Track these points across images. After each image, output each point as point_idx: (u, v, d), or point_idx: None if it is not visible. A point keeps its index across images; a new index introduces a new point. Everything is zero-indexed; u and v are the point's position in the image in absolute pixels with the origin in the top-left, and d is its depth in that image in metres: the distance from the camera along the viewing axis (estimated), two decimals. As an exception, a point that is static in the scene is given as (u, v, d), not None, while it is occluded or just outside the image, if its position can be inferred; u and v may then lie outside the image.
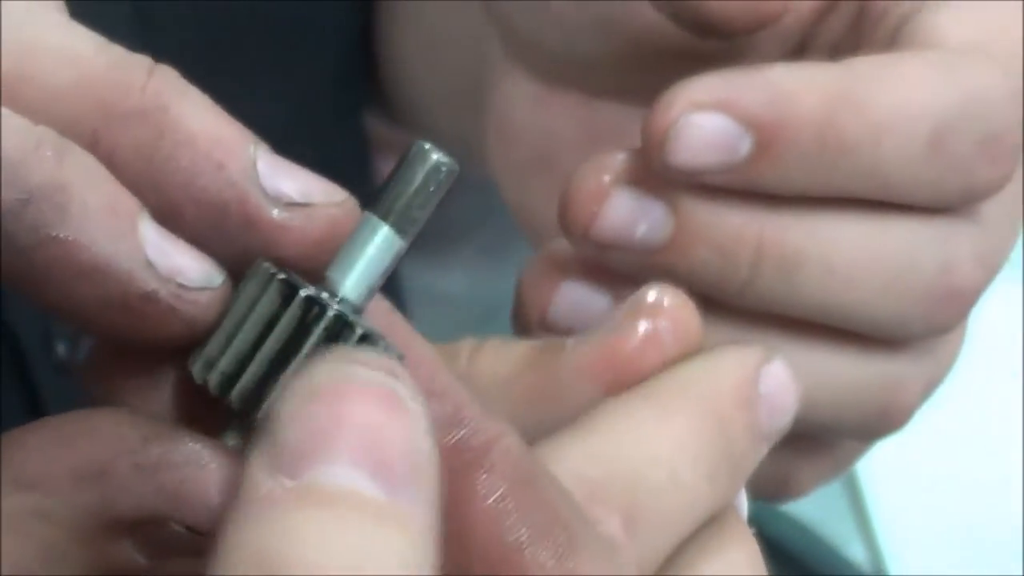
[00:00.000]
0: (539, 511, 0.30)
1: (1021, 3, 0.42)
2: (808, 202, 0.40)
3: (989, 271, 0.43)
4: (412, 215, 0.31)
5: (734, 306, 0.41)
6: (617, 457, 0.34)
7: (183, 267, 0.31)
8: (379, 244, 0.31)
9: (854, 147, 0.39)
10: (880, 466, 0.92)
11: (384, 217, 0.31)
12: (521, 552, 0.30)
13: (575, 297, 0.42)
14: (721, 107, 0.39)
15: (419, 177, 0.30)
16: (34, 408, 0.57)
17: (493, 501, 0.30)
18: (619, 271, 0.42)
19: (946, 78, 0.40)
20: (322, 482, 0.27)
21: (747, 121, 0.39)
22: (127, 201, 0.31)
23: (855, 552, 0.90)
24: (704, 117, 0.39)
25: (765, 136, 0.39)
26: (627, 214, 0.41)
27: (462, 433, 0.31)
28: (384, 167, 0.78)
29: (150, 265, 0.31)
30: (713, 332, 0.40)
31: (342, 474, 0.27)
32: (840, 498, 0.92)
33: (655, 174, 0.40)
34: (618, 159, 0.41)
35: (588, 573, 0.30)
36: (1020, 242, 0.95)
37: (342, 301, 0.31)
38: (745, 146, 0.39)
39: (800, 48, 0.45)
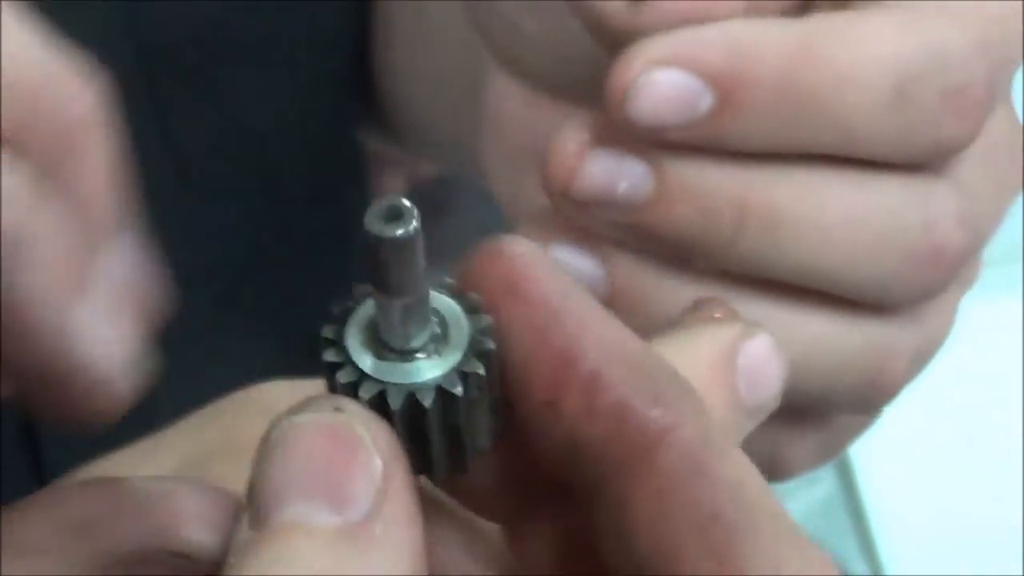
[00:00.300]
0: (700, 508, 0.29)
1: None
2: (790, 161, 0.40)
3: (973, 233, 0.42)
4: (399, 280, 0.30)
5: (719, 267, 0.41)
6: None
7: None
8: (394, 311, 0.30)
9: (815, 100, 0.39)
10: (882, 482, 0.92)
11: (385, 293, 0.30)
12: (677, 551, 0.29)
13: (562, 263, 0.42)
14: (680, 63, 0.39)
15: (384, 254, 0.29)
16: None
17: (652, 497, 0.29)
18: (602, 233, 0.41)
19: (907, 31, 0.40)
20: (281, 521, 0.28)
21: (707, 76, 0.39)
22: None
23: (856, 568, 0.90)
24: (663, 73, 0.39)
25: (725, 90, 0.39)
26: (607, 171, 0.40)
27: (627, 426, 0.29)
28: (378, 181, 0.77)
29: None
30: (685, 285, 0.41)
31: (299, 511, 0.28)
32: (842, 514, 0.92)
33: (622, 132, 0.40)
34: (599, 117, 0.41)
35: (747, 574, 0.29)
36: (1021, 254, 0.96)
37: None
38: (706, 101, 0.39)
39: None
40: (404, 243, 0.29)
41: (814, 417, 0.45)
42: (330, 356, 0.30)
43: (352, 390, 0.30)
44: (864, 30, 0.40)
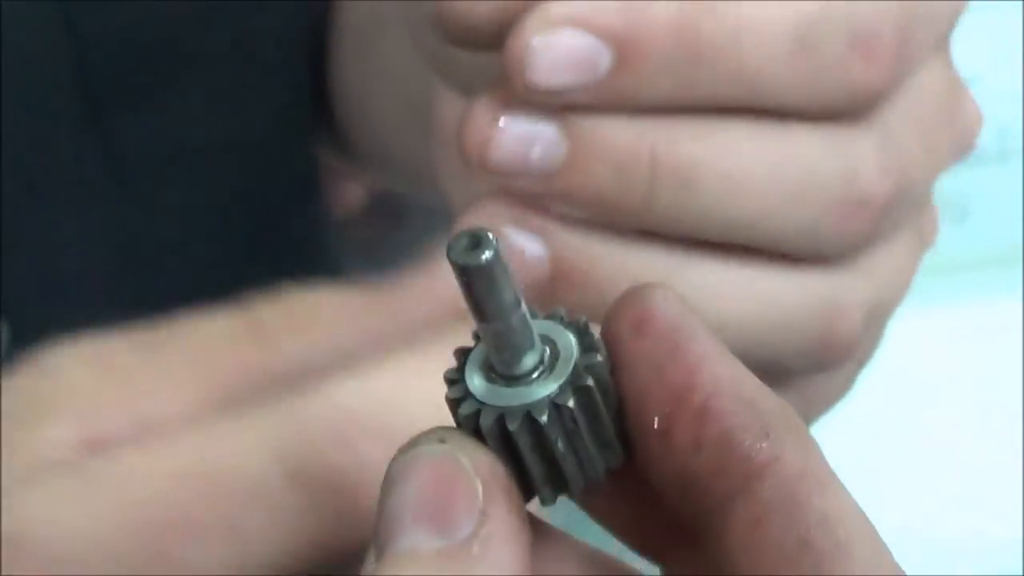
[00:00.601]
0: (790, 536, 0.30)
1: None
2: (700, 114, 0.41)
3: (897, 183, 0.42)
4: (485, 306, 0.31)
5: (640, 227, 0.41)
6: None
7: None
8: (488, 337, 0.32)
9: (714, 52, 0.39)
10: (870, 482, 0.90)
11: (475, 319, 0.31)
12: None
13: (515, 245, 0.42)
14: (576, 23, 0.39)
15: (466, 281, 0.31)
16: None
17: (748, 527, 0.30)
18: (543, 210, 0.42)
19: None
20: (395, 551, 0.30)
21: (603, 34, 0.39)
22: None
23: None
24: (559, 35, 0.39)
25: (623, 48, 0.39)
26: (519, 138, 0.41)
27: (732, 457, 0.31)
28: (336, 192, 0.76)
29: None
30: (629, 257, 0.41)
31: (409, 540, 0.30)
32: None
33: (522, 98, 0.40)
34: (506, 87, 0.41)
35: None
36: (1021, 257, 0.94)
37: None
38: (605, 60, 0.39)
39: None
40: (483, 270, 0.30)
41: (779, 384, 0.45)
42: (450, 374, 0.32)
43: (456, 406, 0.32)
44: None
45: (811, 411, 0.47)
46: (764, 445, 0.30)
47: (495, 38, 0.40)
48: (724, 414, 0.31)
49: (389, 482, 0.31)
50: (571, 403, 0.32)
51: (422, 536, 0.30)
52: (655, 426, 0.31)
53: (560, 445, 0.32)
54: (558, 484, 0.32)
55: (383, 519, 0.30)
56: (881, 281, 0.44)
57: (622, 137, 0.40)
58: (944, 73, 0.44)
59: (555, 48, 0.39)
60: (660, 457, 0.31)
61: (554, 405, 0.31)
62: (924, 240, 0.45)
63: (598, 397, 0.32)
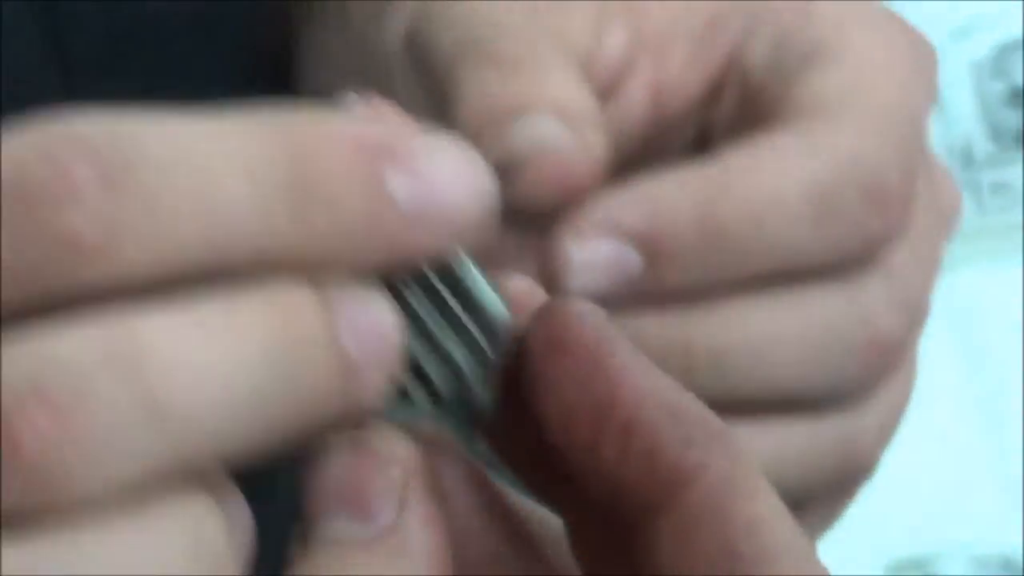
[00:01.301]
0: (715, 545, 0.31)
1: (887, 53, 0.45)
2: (728, 293, 0.43)
3: (907, 316, 0.44)
4: None
5: None
6: None
7: None
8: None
9: (737, 234, 0.42)
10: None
11: None
12: None
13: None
14: (604, 231, 0.42)
15: None
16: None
17: (674, 535, 0.31)
18: None
19: (815, 148, 0.42)
20: (316, 536, 0.31)
21: (631, 238, 0.41)
22: None
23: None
24: (592, 244, 0.42)
25: (650, 247, 0.41)
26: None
27: (658, 469, 0.31)
28: None
29: None
30: None
31: (330, 526, 0.31)
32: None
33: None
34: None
35: None
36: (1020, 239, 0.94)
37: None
38: (636, 261, 0.42)
39: (701, 136, 0.48)
40: None
41: (800, 508, 0.46)
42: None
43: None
44: (773, 158, 0.42)
45: (831, 519, 0.49)
46: (689, 454, 0.31)
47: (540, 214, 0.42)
48: (649, 427, 0.32)
49: (313, 467, 0.32)
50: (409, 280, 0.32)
51: (342, 522, 0.31)
52: (583, 442, 0.32)
53: (416, 327, 0.33)
54: (428, 382, 0.33)
55: (307, 503, 0.31)
56: (891, 396, 0.46)
57: (657, 333, 0.42)
58: (927, 174, 0.45)
59: (589, 258, 0.41)
60: (590, 471, 0.32)
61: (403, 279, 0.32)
62: (923, 320, 0.46)
63: (441, 286, 0.33)
